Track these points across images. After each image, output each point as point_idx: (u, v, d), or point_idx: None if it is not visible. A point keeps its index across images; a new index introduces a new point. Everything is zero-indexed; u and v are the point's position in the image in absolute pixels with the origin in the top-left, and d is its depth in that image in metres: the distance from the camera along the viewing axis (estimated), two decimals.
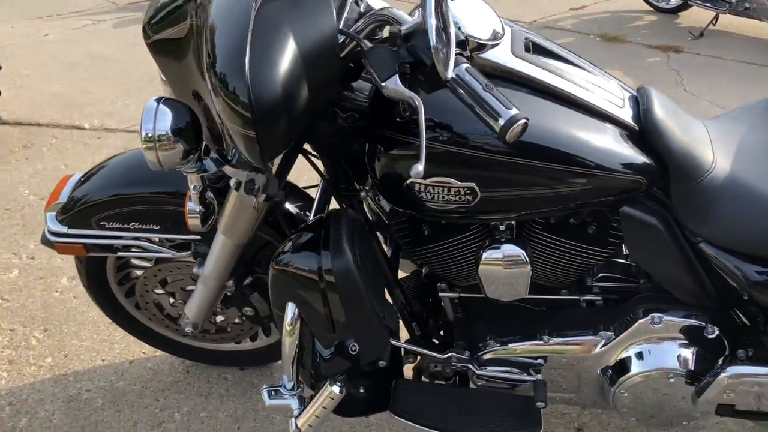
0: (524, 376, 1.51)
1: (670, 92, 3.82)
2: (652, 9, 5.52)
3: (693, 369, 1.44)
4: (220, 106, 1.05)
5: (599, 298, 1.50)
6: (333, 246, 1.31)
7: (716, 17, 4.86)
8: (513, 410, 1.50)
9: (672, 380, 1.45)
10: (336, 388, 1.40)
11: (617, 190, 1.31)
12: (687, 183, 1.31)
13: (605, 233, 1.40)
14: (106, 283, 1.79)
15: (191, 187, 1.31)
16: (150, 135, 1.15)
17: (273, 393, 1.46)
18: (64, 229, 1.61)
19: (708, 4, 4.79)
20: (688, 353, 1.44)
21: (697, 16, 5.17)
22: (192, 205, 1.32)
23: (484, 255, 1.37)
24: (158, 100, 1.18)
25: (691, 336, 1.43)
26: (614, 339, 1.44)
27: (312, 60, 1.08)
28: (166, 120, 1.15)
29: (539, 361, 1.50)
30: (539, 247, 1.39)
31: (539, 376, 1.51)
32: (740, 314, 1.45)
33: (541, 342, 1.47)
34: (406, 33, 1.09)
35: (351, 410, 1.53)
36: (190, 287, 1.74)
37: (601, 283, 1.51)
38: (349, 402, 1.46)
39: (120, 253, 1.66)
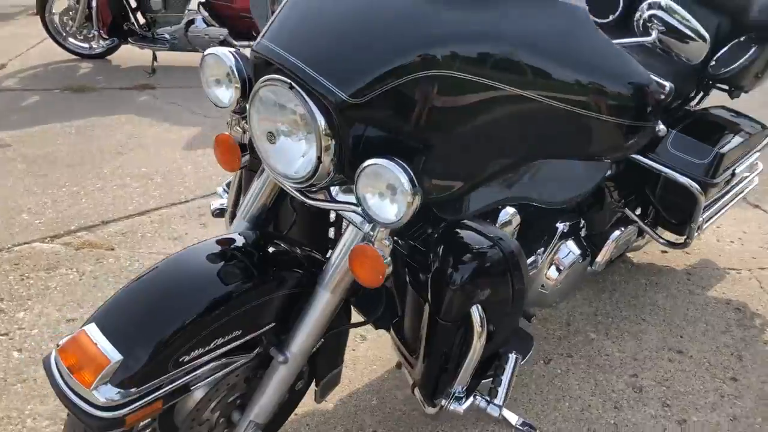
0: None
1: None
2: (79, 57, 5.50)
3: (586, 248, 1.99)
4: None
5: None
6: (499, 235, 1.44)
7: (155, 55, 5.17)
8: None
9: (581, 262, 1.97)
10: (516, 354, 1.59)
11: None
12: None
13: None
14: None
15: (387, 241, 1.29)
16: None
17: (456, 401, 1.54)
18: (131, 393, 1.22)
19: (145, 44, 5.22)
20: (579, 240, 1.98)
21: (129, 56, 5.54)
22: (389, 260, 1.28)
23: None
24: (392, 158, 1.18)
25: (576, 229, 1.99)
26: (544, 252, 1.88)
27: None
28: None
29: None
30: None
31: None
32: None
33: None
34: None
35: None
36: (232, 395, 1.53)
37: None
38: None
39: (195, 386, 1.35)
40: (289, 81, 1.22)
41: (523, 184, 1.42)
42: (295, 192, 1.39)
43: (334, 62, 1.21)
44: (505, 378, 1.60)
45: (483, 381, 1.63)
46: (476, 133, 1.30)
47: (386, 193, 1.23)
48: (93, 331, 1.25)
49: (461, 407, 1.55)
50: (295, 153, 1.29)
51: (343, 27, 1.25)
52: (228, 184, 1.96)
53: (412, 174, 1.18)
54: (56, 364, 1.27)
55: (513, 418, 1.94)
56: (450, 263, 1.44)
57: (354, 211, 1.34)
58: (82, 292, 2.50)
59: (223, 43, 5.38)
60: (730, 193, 2.46)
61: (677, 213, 2.36)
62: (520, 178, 1.42)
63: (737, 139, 2.34)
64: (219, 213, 1.90)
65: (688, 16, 1.47)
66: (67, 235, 2.90)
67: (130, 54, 5.52)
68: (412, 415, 2.00)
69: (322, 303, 1.45)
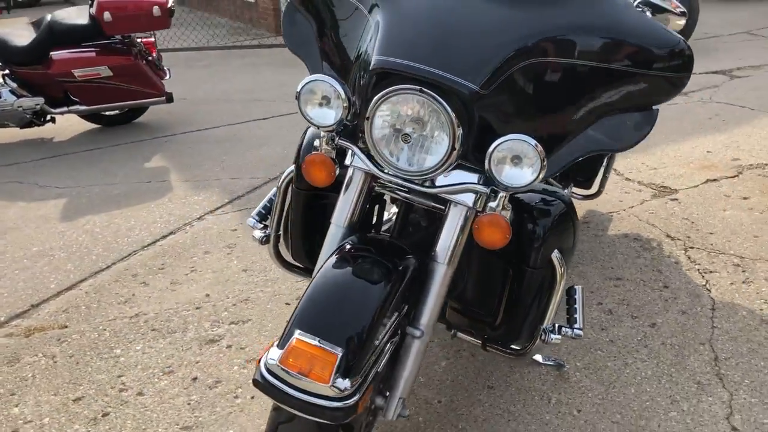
0: None
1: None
2: None
3: None
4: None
5: None
6: (554, 189, 1.76)
7: None
8: None
9: None
10: (580, 286, 1.94)
11: None
12: None
13: None
14: None
15: (509, 206, 1.53)
16: None
17: (550, 333, 1.79)
18: (357, 380, 1.38)
19: None
20: None
21: None
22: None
23: None
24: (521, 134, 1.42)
25: None
26: None
27: None
28: None
29: None
30: None
31: None
32: None
33: None
34: None
35: None
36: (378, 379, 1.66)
37: None
38: None
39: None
40: (417, 86, 1.45)
41: (596, 137, 1.75)
42: (413, 186, 1.60)
43: (459, 62, 1.45)
44: (579, 307, 1.91)
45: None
46: (569, 101, 1.62)
47: (517, 163, 1.48)
48: (304, 336, 1.36)
49: (557, 336, 1.83)
50: (418, 149, 1.52)
51: (456, 31, 1.50)
52: (258, 214, 2.05)
53: (538, 143, 1.45)
54: (275, 376, 1.35)
55: (539, 357, 2.29)
56: (530, 220, 1.73)
57: (468, 190, 1.56)
58: (69, 371, 2.35)
59: (38, 113, 5.06)
60: None
61: (585, 171, 2.90)
62: (592, 133, 1.75)
63: None
64: (266, 240, 1.99)
65: None
66: (1, 328, 2.66)
67: None
68: (458, 380, 2.24)
69: (441, 275, 1.65)
